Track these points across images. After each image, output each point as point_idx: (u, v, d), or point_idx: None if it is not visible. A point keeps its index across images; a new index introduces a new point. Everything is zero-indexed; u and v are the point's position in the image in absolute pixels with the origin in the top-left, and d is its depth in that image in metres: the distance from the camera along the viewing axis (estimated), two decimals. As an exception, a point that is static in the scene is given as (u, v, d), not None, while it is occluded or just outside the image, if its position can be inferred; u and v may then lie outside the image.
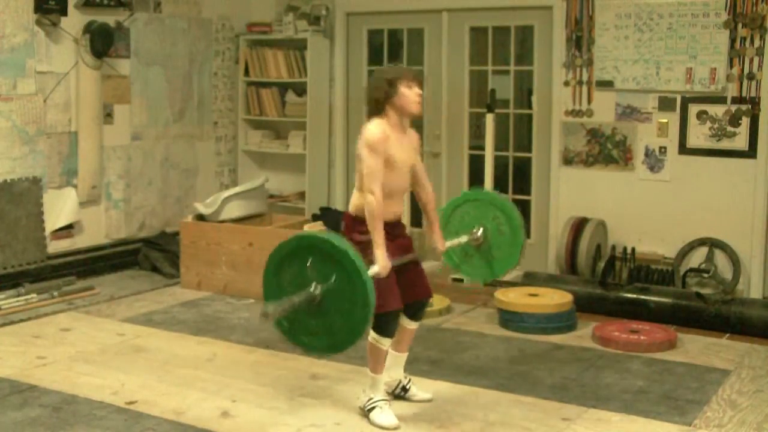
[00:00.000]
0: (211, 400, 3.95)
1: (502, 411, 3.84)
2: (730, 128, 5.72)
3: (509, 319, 5.07)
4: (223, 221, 5.93)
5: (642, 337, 4.74)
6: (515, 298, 5.14)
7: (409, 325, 3.86)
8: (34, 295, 5.50)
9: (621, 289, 5.42)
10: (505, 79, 6.59)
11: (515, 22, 6.49)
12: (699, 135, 5.82)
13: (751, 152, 5.67)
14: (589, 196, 6.20)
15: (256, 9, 7.37)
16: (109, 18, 6.15)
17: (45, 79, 5.85)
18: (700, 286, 5.70)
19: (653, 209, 6.00)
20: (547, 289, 5.29)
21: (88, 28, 5.98)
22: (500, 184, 6.30)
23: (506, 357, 4.60)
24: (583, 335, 4.95)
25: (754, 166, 5.67)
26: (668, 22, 5.82)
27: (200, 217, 6.01)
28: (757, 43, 5.59)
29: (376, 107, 3.67)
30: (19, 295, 5.46)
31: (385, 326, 3.66)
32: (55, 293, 5.59)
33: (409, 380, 3.96)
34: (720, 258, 5.81)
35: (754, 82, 5.62)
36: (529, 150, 6.50)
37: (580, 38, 6.13)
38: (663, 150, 5.94)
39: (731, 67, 5.67)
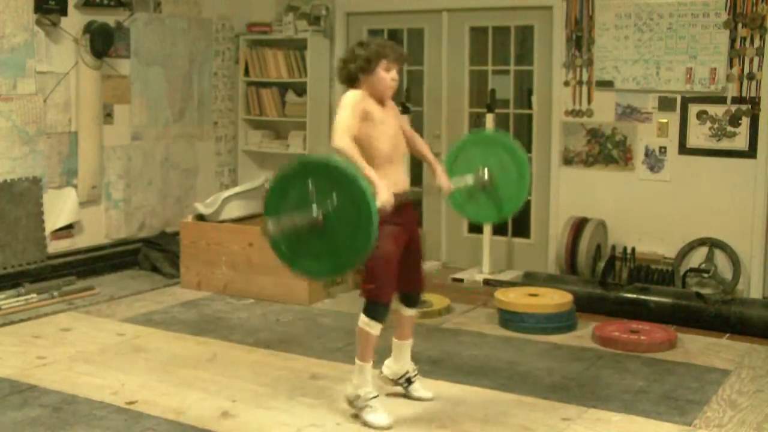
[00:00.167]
0: (211, 400, 3.95)
1: (502, 411, 3.84)
2: (730, 128, 5.72)
3: (509, 319, 5.07)
4: (223, 221, 5.93)
5: (642, 337, 4.74)
6: (515, 298, 5.14)
7: (406, 312, 3.85)
8: (34, 295, 5.49)
9: (621, 289, 5.42)
10: (505, 79, 6.59)
11: (515, 22, 6.49)
12: (699, 135, 5.82)
13: (751, 152, 5.67)
14: (589, 196, 6.20)
15: (256, 9, 7.37)
16: (109, 18, 6.15)
17: (45, 79, 5.85)
18: (700, 286, 5.70)
19: (653, 209, 6.00)
20: (547, 289, 5.29)
21: (88, 28, 5.98)
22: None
23: (506, 357, 4.60)
24: (583, 335, 4.95)
25: (754, 166, 5.67)
26: (668, 22, 5.82)
27: (200, 217, 6.01)
28: (757, 43, 5.59)
29: (349, 80, 3.61)
30: (19, 295, 5.46)
31: (376, 312, 3.61)
32: (55, 293, 5.59)
33: (416, 374, 3.95)
34: (720, 258, 5.81)
35: (754, 82, 5.62)
36: (529, 150, 6.49)
37: (580, 38, 6.13)
38: (663, 150, 5.94)
39: (731, 67, 5.67)
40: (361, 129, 3.55)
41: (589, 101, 6.14)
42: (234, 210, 5.99)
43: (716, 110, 5.74)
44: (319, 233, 3.28)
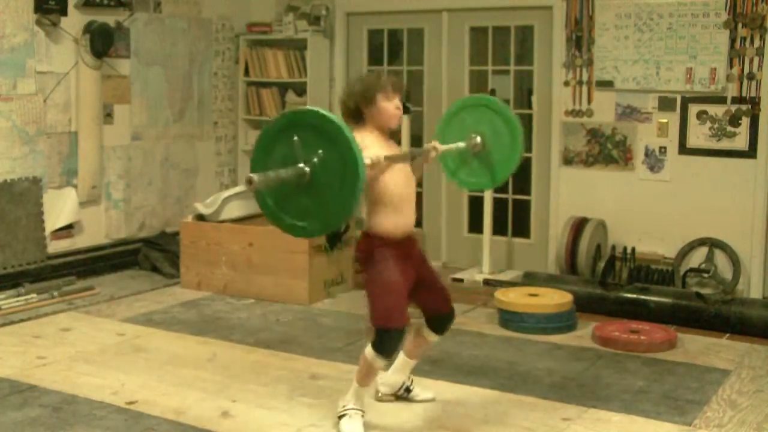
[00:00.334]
0: (211, 400, 3.95)
1: (502, 411, 3.84)
2: (730, 128, 5.72)
3: (509, 319, 5.07)
4: (223, 221, 5.93)
5: (642, 337, 4.74)
6: (515, 298, 5.14)
7: (430, 336, 3.74)
8: (34, 295, 5.49)
9: (621, 289, 5.42)
10: (505, 79, 6.59)
11: (515, 22, 6.49)
12: (699, 135, 5.83)
13: (751, 152, 5.67)
14: (589, 196, 6.20)
15: (256, 9, 7.37)
16: (109, 18, 6.15)
17: (45, 79, 5.85)
18: (700, 286, 5.70)
19: (653, 209, 6.00)
20: (547, 289, 5.29)
21: (88, 28, 5.98)
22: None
23: (506, 357, 4.60)
24: (583, 335, 4.95)
25: (754, 166, 5.67)
26: (668, 22, 5.82)
27: (200, 217, 6.01)
28: (757, 43, 5.59)
29: (354, 119, 3.49)
30: (19, 295, 5.46)
31: (386, 344, 3.42)
32: (55, 293, 5.59)
33: (412, 381, 3.94)
34: (720, 258, 5.81)
35: (754, 82, 5.62)
36: (529, 150, 6.49)
37: (580, 38, 6.13)
38: (663, 150, 5.94)
39: (731, 67, 5.67)
40: (370, 173, 3.41)
41: (589, 101, 6.14)
42: (234, 210, 6.00)
43: (716, 110, 5.75)
44: (305, 189, 3.16)
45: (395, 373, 3.87)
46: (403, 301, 3.47)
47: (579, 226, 6.05)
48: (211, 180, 7.18)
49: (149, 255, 6.45)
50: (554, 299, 5.10)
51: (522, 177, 6.44)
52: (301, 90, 7.16)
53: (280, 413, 3.80)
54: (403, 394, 3.92)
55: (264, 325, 5.16)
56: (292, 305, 5.53)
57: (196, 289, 5.88)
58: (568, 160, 6.28)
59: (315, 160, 3.12)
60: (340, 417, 3.59)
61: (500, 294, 5.21)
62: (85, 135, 6.10)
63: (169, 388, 4.09)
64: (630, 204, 6.08)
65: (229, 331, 5.01)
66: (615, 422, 3.73)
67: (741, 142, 5.70)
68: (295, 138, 3.14)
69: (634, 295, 5.31)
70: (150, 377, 4.23)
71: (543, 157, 6.42)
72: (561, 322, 5.01)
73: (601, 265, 5.79)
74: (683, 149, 5.88)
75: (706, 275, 5.78)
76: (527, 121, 6.54)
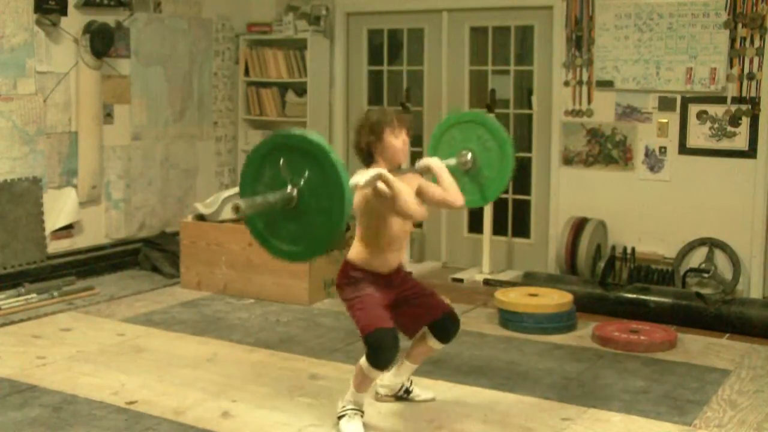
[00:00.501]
0: (211, 400, 3.95)
1: (502, 411, 3.84)
2: (730, 128, 5.72)
3: (509, 319, 5.07)
4: (223, 221, 5.92)
5: (642, 337, 4.74)
6: (515, 298, 5.14)
7: (434, 344, 3.74)
8: (34, 295, 5.49)
9: (621, 289, 5.43)
10: (505, 79, 6.60)
11: (515, 22, 6.49)
12: (699, 135, 5.83)
13: (751, 152, 5.67)
14: (589, 196, 6.20)
15: (256, 9, 7.37)
16: (109, 18, 6.15)
17: (45, 79, 5.85)
18: (700, 286, 5.70)
19: (653, 209, 6.00)
20: (547, 289, 5.29)
21: (88, 28, 5.98)
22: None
23: (506, 357, 4.60)
24: (583, 335, 4.95)
25: (754, 166, 5.67)
26: (668, 22, 5.82)
27: (200, 217, 6.01)
28: (757, 43, 5.59)
29: (365, 157, 3.49)
30: (19, 295, 5.46)
31: (378, 352, 3.40)
32: (55, 293, 5.59)
33: (411, 382, 3.94)
34: (720, 258, 5.81)
35: (754, 82, 5.62)
36: (529, 150, 6.50)
37: (580, 38, 6.13)
38: (663, 150, 5.95)
39: (731, 67, 5.67)
40: (375, 205, 3.43)
41: (589, 101, 6.14)
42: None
43: (716, 110, 5.75)
44: (294, 214, 3.18)
45: (395, 375, 3.86)
46: (383, 310, 3.48)
47: (579, 226, 6.05)
48: (211, 180, 7.18)
49: (149, 255, 6.45)
50: (554, 299, 5.10)
51: (522, 177, 6.44)
52: (301, 90, 7.16)
53: (280, 413, 3.80)
54: (402, 395, 3.92)
55: (264, 325, 5.16)
56: (292, 305, 5.53)
57: (196, 289, 5.88)
58: (568, 160, 6.28)
59: (302, 183, 3.12)
60: (340, 417, 3.59)
61: (500, 294, 5.21)
62: (85, 135, 6.10)
63: (169, 388, 4.09)
64: (630, 204, 6.08)
65: (229, 331, 5.01)
66: (615, 422, 3.73)
67: (741, 142, 5.70)
68: (282, 161, 3.15)
69: (634, 295, 5.31)
70: (150, 377, 4.22)
71: (543, 157, 6.42)
72: (561, 322, 5.01)
73: (601, 265, 5.78)
74: (683, 149, 5.89)
75: (706, 275, 5.78)
76: (527, 121, 6.55)
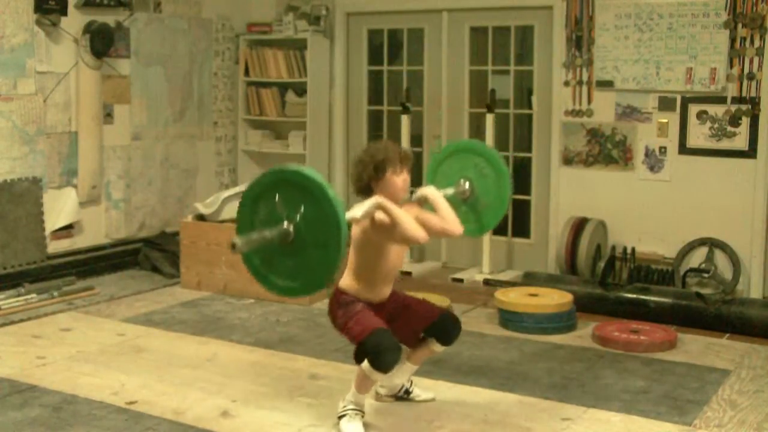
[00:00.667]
0: (211, 400, 3.95)
1: (502, 411, 3.84)
2: (730, 128, 5.72)
3: (509, 319, 5.07)
4: (223, 221, 5.92)
5: (642, 337, 4.74)
6: (515, 298, 5.14)
7: (436, 347, 3.76)
8: (34, 295, 5.49)
9: (621, 289, 5.43)
10: (505, 79, 6.60)
11: (515, 22, 6.49)
12: (699, 135, 5.83)
13: (751, 152, 5.67)
14: (589, 196, 6.20)
15: (256, 9, 7.37)
16: (109, 18, 6.15)
17: (45, 79, 5.85)
18: (700, 286, 5.70)
19: (653, 209, 6.00)
20: (547, 289, 5.29)
21: (88, 28, 5.98)
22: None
23: (506, 357, 4.60)
24: (583, 335, 4.95)
25: (754, 166, 5.67)
26: (668, 22, 5.82)
27: (200, 217, 6.01)
28: (757, 43, 5.59)
29: (363, 190, 3.48)
30: (19, 295, 5.46)
31: (378, 353, 3.39)
32: (55, 293, 5.59)
33: (411, 382, 3.94)
34: (720, 258, 5.81)
35: (754, 82, 5.62)
36: (529, 150, 6.51)
37: (580, 38, 6.13)
38: (663, 150, 5.95)
39: (731, 67, 5.67)
40: (373, 237, 3.44)
41: (589, 101, 6.14)
42: (234, 210, 5.90)
43: (716, 110, 5.75)
44: (291, 250, 3.19)
45: (395, 376, 3.86)
46: (378, 318, 3.49)
47: (579, 226, 6.05)
48: (211, 180, 7.18)
49: (149, 255, 6.45)
50: (554, 299, 5.10)
51: (522, 177, 6.45)
52: (301, 90, 7.16)
53: (280, 413, 3.80)
54: (402, 396, 3.92)
55: (264, 325, 5.16)
56: (292, 305, 5.53)
57: (196, 289, 5.88)
58: (568, 160, 6.28)
59: (298, 218, 3.14)
60: (340, 417, 3.59)
61: (500, 294, 5.21)
62: (85, 135, 6.10)
63: (169, 388, 4.09)
64: (630, 204, 6.08)
65: (229, 331, 5.01)
66: (615, 422, 3.73)
67: (741, 142, 5.70)
68: (277, 197, 3.17)
69: (634, 295, 5.31)
70: (150, 377, 4.22)
71: (543, 157, 6.42)
72: (561, 322, 5.01)
73: (601, 265, 5.78)
74: (683, 149, 5.89)
75: (706, 275, 5.78)
76: (527, 121, 6.55)
